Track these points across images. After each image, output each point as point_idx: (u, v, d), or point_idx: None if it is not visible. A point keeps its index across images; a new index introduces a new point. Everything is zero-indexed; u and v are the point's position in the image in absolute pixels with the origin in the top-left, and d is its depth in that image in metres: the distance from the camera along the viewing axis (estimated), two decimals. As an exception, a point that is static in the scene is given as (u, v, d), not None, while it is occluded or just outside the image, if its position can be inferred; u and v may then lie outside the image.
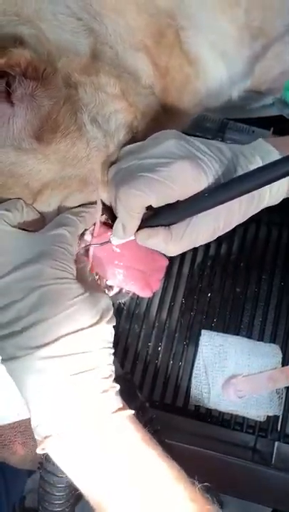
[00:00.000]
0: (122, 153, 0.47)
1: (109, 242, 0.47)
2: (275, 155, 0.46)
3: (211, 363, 0.60)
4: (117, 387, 0.41)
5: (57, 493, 0.52)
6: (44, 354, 0.38)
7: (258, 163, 0.46)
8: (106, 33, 0.46)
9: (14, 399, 0.52)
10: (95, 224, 0.48)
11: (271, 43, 0.58)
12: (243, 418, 0.60)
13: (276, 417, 0.61)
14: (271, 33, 0.57)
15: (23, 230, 0.45)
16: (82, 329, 0.39)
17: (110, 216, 0.50)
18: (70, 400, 0.38)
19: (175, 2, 0.49)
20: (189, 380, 0.60)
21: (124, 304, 0.62)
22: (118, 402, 0.41)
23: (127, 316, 0.62)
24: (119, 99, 0.45)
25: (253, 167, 0.46)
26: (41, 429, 0.39)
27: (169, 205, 0.43)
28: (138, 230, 0.45)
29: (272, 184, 0.45)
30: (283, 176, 0.39)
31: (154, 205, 0.42)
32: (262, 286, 0.64)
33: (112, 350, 0.42)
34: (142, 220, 0.44)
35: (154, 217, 0.44)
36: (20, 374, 0.39)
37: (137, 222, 0.44)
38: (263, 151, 0.47)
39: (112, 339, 0.42)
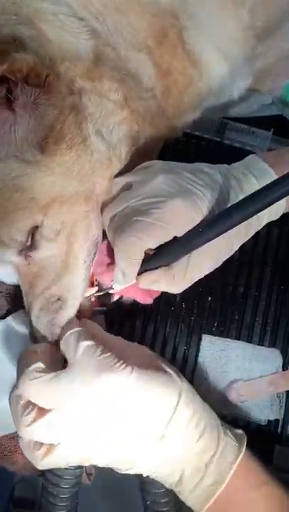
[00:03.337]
0: (113, 189, 0.46)
1: (111, 288, 0.48)
2: (269, 173, 0.46)
3: (212, 367, 0.59)
4: None
5: (60, 504, 0.52)
6: None
7: (250, 183, 0.45)
8: (108, 33, 0.44)
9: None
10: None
11: (274, 42, 0.57)
12: (245, 422, 0.60)
13: (276, 420, 0.60)
14: (274, 33, 0.56)
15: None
16: None
17: None
18: None
19: (178, 1, 0.47)
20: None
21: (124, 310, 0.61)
22: None
23: (126, 320, 0.61)
24: (122, 107, 0.43)
25: (246, 187, 0.45)
26: None
27: (166, 244, 0.43)
28: (139, 273, 0.45)
29: None
30: (268, 205, 0.38)
31: (153, 247, 0.43)
32: (262, 288, 0.63)
33: None
34: (141, 262, 0.44)
35: (153, 259, 0.44)
36: None
37: (137, 268, 0.44)
38: (256, 170, 0.46)
39: None
